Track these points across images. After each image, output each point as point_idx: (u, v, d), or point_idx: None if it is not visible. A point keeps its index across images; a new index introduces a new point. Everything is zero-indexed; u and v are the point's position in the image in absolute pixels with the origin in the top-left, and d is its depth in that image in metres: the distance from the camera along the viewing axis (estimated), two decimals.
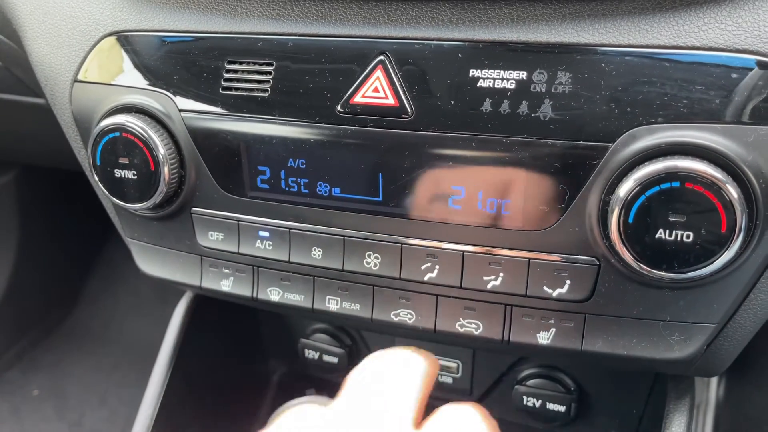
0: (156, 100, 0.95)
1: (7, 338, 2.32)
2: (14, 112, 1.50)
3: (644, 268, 0.76)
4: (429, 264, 0.89)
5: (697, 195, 0.71)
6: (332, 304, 0.97)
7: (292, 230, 0.94)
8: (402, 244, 0.89)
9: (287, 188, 0.92)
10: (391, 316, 0.94)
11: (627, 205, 0.74)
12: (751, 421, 1.50)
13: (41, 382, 2.26)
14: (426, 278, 0.90)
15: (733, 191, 0.71)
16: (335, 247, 0.93)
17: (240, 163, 0.93)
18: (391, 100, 0.83)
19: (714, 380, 1.61)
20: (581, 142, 0.77)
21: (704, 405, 1.59)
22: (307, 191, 0.91)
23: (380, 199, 0.88)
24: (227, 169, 0.94)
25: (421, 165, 0.84)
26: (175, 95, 0.94)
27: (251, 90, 0.90)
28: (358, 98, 0.85)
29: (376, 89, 0.84)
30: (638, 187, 0.73)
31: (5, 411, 2.14)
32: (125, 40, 0.97)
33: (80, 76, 1.01)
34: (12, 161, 2.17)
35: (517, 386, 1.20)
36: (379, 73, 0.84)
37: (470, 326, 0.91)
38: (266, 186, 0.93)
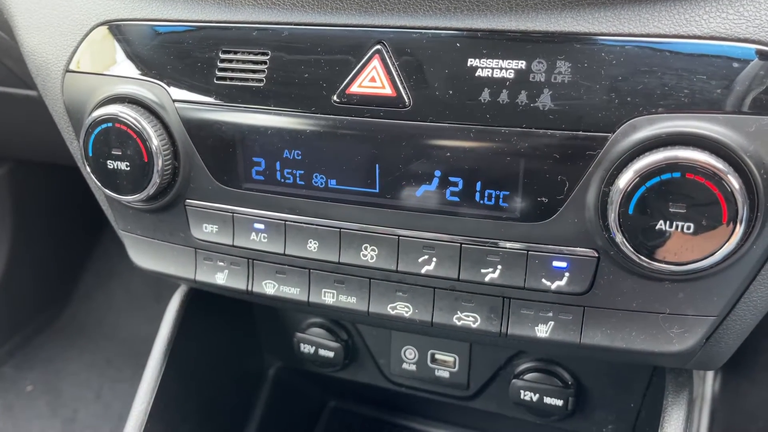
0: (149, 90, 0.94)
1: (0, 334, 2.31)
2: (6, 104, 1.49)
3: (644, 260, 0.75)
4: (426, 256, 0.88)
5: (697, 186, 0.71)
6: (328, 298, 0.96)
7: (287, 222, 0.93)
8: (399, 236, 0.88)
9: (283, 180, 0.91)
10: (388, 309, 0.93)
11: (627, 196, 0.73)
12: (745, 416, 1.50)
13: (35, 378, 2.25)
14: (423, 271, 0.89)
15: (734, 182, 0.70)
16: (331, 239, 0.92)
17: (235, 154, 0.91)
18: (388, 90, 0.82)
19: (710, 375, 1.62)
20: (581, 133, 0.76)
21: (700, 399, 1.59)
22: (302, 183, 0.90)
23: (377, 190, 0.87)
24: (222, 160, 0.93)
25: (419, 156, 0.83)
26: (168, 85, 0.93)
27: (246, 80, 0.88)
28: (354, 88, 0.84)
29: (372, 79, 0.83)
30: (638, 178, 0.72)
31: None
32: (117, 29, 0.96)
33: (72, 66, 0.99)
34: (4, 156, 2.15)
35: (514, 380, 1.20)
36: (375, 62, 0.83)
37: (468, 319, 0.90)
38: (261, 177, 0.92)
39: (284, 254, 0.95)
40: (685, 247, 0.73)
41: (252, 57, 0.88)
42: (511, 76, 0.77)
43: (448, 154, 0.82)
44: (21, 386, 2.21)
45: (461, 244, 0.86)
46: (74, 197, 2.05)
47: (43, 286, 2.47)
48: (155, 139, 0.91)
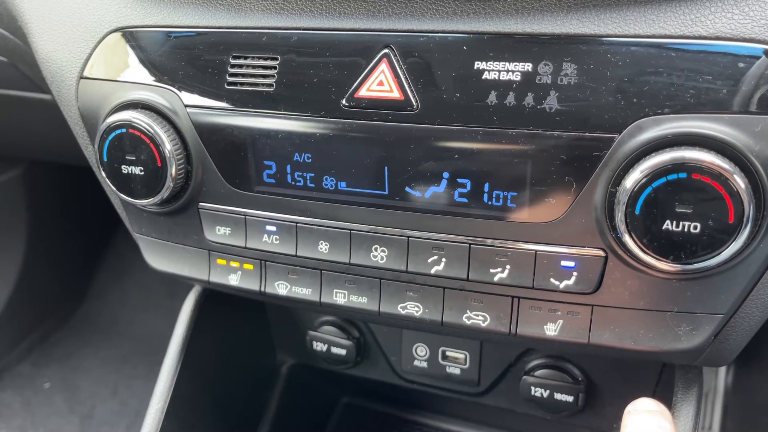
0: (162, 95, 0.95)
1: (17, 332, 2.35)
2: (21, 108, 1.51)
3: (651, 260, 0.76)
4: (435, 257, 0.89)
5: (704, 186, 0.71)
6: (339, 298, 0.98)
7: (298, 224, 0.94)
8: (408, 237, 0.89)
9: (293, 183, 0.92)
10: (398, 309, 0.95)
11: (634, 196, 0.74)
12: (760, 409, 1.50)
13: (52, 375, 2.29)
14: (433, 271, 0.90)
15: (740, 181, 0.70)
16: (342, 240, 0.93)
17: (246, 157, 0.93)
18: (396, 94, 0.83)
19: (722, 369, 1.61)
20: (587, 134, 0.76)
21: (713, 393, 1.59)
22: (313, 185, 0.91)
23: (386, 192, 0.88)
24: (233, 164, 0.94)
25: (427, 158, 0.84)
26: (180, 91, 0.94)
27: (256, 85, 0.90)
28: (363, 92, 0.85)
29: (380, 83, 0.84)
30: (645, 179, 0.73)
31: (17, 404, 2.17)
32: (130, 35, 0.98)
33: (86, 73, 1.01)
34: (20, 156, 2.18)
35: (524, 377, 1.21)
36: (383, 66, 0.83)
37: (477, 318, 0.91)
38: (272, 180, 0.93)
39: (296, 255, 0.96)
40: (691, 246, 0.74)
41: (262, 62, 0.89)
42: (518, 78, 0.78)
43: (456, 156, 0.82)
44: (38, 383, 2.25)
45: (470, 244, 0.86)
46: (88, 196, 2.08)
47: (58, 284, 2.50)
48: (168, 144, 0.93)
